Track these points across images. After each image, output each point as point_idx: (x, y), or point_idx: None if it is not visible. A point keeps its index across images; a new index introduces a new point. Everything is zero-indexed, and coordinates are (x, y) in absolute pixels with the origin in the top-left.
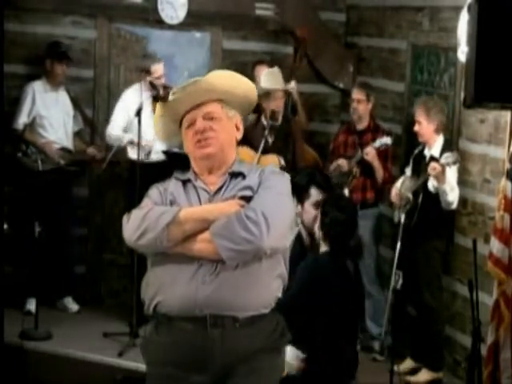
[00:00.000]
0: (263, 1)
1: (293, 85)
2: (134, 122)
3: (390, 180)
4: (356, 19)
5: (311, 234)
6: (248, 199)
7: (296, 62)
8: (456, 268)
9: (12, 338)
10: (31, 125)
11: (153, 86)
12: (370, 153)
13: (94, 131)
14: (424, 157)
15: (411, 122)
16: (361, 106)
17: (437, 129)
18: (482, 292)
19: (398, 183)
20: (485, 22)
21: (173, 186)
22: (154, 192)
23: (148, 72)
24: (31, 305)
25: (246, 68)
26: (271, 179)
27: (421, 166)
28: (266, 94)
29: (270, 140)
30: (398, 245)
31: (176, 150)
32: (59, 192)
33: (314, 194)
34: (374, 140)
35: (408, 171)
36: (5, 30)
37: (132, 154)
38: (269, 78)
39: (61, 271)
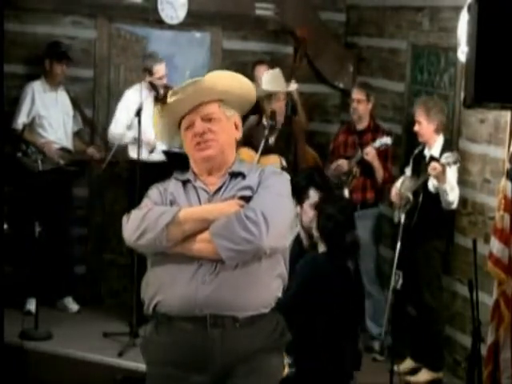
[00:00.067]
0: (263, 1)
1: (295, 86)
2: (135, 122)
3: (390, 180)
4: (356, 19)
5: (310, 234)
6: (248, 199)
7: (296, 62)
8: (456, 268)
9: (12, 338)
10: (31, 125)
11: (153, 86)
12: (369, 153)
13: (93, 131)
14: (424, 157)
15: (411, 121)
16: (361, 106)
17: (437, 129)
18: (481, 292)
19: (398, 183)
20: (485, 22)
21: (173, 186)
22: (154, 192)
23: (150, 72)
24: (31, 305)
25: (246, 68)
26: (271, 179)
27: (421, 166)
28: (267, 96)
29: (272, 141)
30: (398, 245)
31: (176, 150)
32: (59, 192)
33: (313, 195)
34: (373, 140)
35: (408, 171)
36: (5, 30)
37: (133, 152)
38: (271, 79)
39: (61, 271)
